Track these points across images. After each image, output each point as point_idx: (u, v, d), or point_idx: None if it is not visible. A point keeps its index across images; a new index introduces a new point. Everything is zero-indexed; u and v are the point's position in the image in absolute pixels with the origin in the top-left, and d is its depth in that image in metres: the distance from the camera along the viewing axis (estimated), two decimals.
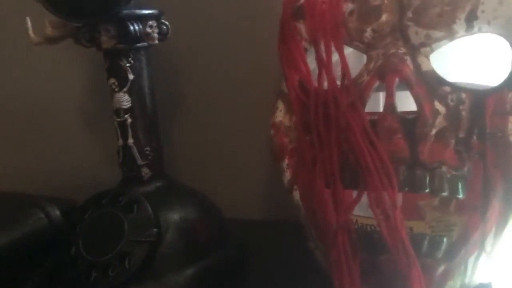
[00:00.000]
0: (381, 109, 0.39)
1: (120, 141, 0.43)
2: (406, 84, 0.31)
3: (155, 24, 0.42)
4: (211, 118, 0.55)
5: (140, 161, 0.43)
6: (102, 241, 0.40)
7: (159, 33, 0.42)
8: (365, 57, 0.40)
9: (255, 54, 0.52)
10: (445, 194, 0.31)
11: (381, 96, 0.40)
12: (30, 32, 0.44)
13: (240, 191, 0.55)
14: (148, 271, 0.39)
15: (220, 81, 0.54)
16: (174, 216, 0.42)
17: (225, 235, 0.45)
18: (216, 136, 0.56)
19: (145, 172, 0.43)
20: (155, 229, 0.39)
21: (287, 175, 0.37)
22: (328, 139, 0.32)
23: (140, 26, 0.40)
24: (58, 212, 0.49)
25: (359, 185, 0.31)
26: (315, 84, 0.34)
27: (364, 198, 0.32)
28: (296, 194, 0.36)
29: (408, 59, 0.32)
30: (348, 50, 0.34)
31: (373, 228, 0.36)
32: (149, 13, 0.41)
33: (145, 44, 0.42)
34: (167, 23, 0.43)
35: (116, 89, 0.42)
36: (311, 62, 0.35)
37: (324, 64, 0.33)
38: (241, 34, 0.52)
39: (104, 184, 0.45)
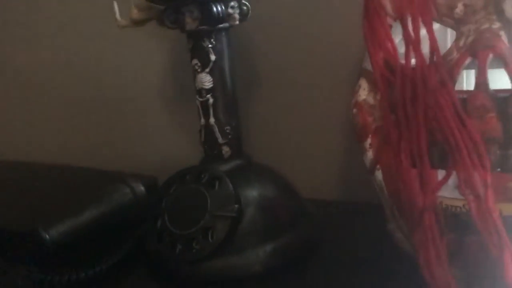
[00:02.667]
0: (465, 87, 0.38)
1: (202, 121, 0.44)
2: (501, 61, 0.30)
3: (236, 5, 0.43)
4: (288, 96, 0.56)
5: (221, 140, 0.44)
6: (186, 215, 0.41)
7: (239, 14, 0.43)
8: (449, 34, 0.39)
9: (334, 31, 0.51)
10: None
11: (465, 74, 0.39)
12: (117, 15, 0.46)
13: (315, 171, 0.55)
14: (230, 245, 0.40)
15: (297, 60, 0.54)
16: (254, 193, 0.43)
17: (302, 214, 0.45)
18: (292, 114, 0.56)
19: (225, 150, 0.45)
20: (236, 205, 0.41)
21: (370, 154, 0.36)
22: (416, 118, 0.32)
23: (223, 7, 0.41)
24: (142, 188, 0.51)
25: (448, 164, 0.31)
26: (401, 61, 0.33)
27: (449, 180, 0.31)
28: (379, 174, 0.36)
29: (502, 34, 0.30)
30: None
31: (458, 210, 0.35)
32: None
33: (226, 25, 0.42)
34: (247, 3, 0.44)
35: (199, 70, 0.43)
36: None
37: (412, 41, 0.32)
38: (320, 11, 0.52)
39: (183, 163, 0.46)
